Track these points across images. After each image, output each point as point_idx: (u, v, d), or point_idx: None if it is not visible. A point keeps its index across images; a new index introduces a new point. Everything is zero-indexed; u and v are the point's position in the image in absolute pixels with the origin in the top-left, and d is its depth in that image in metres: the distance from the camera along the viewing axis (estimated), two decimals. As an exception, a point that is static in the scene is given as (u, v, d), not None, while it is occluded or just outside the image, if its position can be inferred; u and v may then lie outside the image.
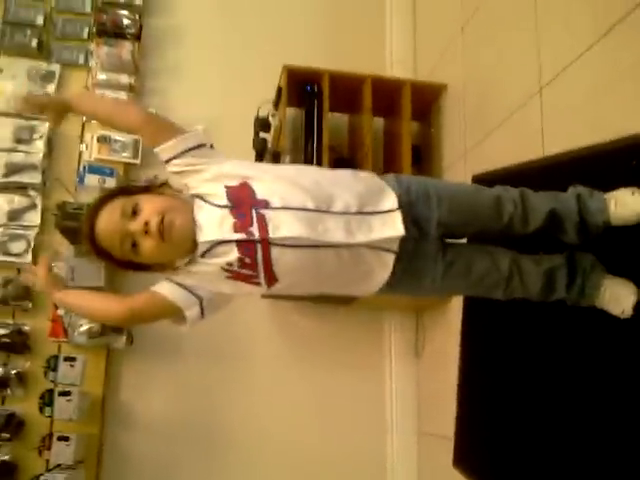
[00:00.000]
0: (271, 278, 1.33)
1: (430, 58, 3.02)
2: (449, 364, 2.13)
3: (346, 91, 2.76)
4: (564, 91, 1.91)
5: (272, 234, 1.29)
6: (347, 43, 3.16)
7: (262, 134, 2.73)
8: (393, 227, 1.36)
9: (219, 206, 1.33)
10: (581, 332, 1.58)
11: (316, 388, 2.83)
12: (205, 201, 1.36)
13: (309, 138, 2.65)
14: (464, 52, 2.64)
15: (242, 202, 1.32)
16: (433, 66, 2.97)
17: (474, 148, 2.46)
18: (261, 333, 2.85)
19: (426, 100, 2.85)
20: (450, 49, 2.77)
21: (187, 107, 2.96)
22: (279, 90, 2.74)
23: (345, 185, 1.40)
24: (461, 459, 2.04)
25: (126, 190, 1.40)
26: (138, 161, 2.80)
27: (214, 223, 1.32)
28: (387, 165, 2.85)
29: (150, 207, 1.31)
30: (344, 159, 2.79)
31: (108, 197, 1.37)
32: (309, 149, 2.62)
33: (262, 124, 2.73)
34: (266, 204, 1.31)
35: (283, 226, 1.29)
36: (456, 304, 2.32)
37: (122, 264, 1.37)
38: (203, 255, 1.33)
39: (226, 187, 1.34)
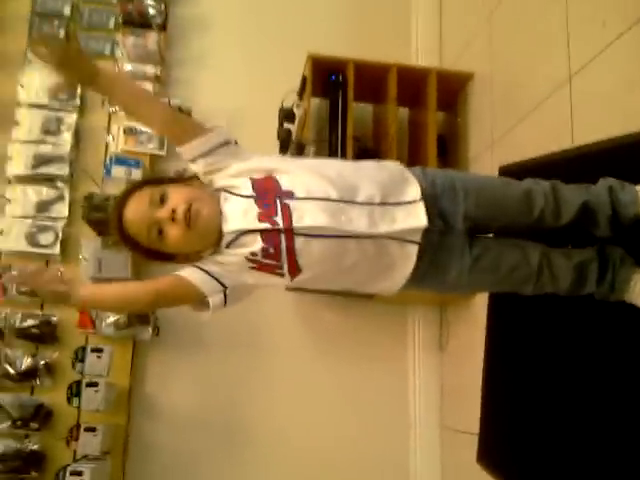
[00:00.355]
0: (294, 269, 1.33)
1: (456, 46, 2.97)
2: (473, 358, 2.11)
3: (371, 80, 2.73)
4: (594, 80, 1.86)
5: (296, 223, 1.29)
6: (372, 31, 3.12)
7: (286, 124, 2.72)
8: (416, 218, 1.35)
9: (244, 196, 1.34)
10: (609, 327, 1.55)
11: (339, 381, 2.83)
12: (231, 193, 1.37)
13: (333, 128, 2.62)
14: (491, 40, 2.59)
15: (267, 192, 1.33)
16: (459, 54, 2.91)
17: (501, 138, 2.42)
18: (285, 326, 2.85)
19: (452, 89, 2.80)
20: (477, 37, 2.72)
21: (212, 97, 2.98)
22: (304, 80, 2.72)
23: (369, 176, 1.39)
24: (485, 455, 2.03)
25: (154, 180, 1.42)
26: (164, 153, 2.81)
27: (239, 213, 1.33)
28: (412, 156, 2.82)
29: (178, 196, 1.32)
30: (368, 150, 2.76)
31: (137, 186, 1.39)
32: (333, 139, 2.60)
33: (286, 114, 2.72)
34: (291, 194, 1.32)
35: (307, 215, 1.30)
36: (481, 299, 2.29)
37: (148, 253, 1.38)
38: (228, 245, 1.35)
39: (251, 179, 1.36)
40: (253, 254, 1.32)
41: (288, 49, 2.95)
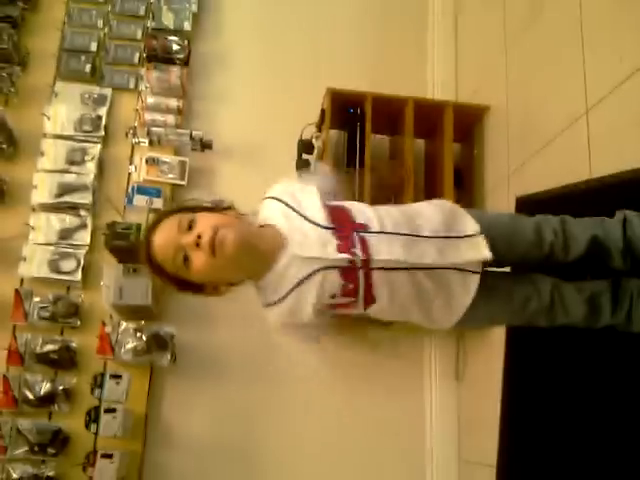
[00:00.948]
0: (369, 301, 1.34)
1: (472, 80, 3.03)
2: (490, 389, 2.10)
3: (388, 113, 2.78)
4: (611, 114, 1.89)
5: (375, 256, 1.31)
6: (389, 66, 3.19)
7: (305, 156, 2.77)
8: (479, 250, 1.38)
9: (321, 226, 1.32)
10: (631, 360, 1.54)
11: (355, 411, 2.81)
12: (301, 215, 1.34)
13: (351, 160, 2.67)
14: (507, 73, 2.63)
15: (343, 225, 1.33)
16: (475, 88, 2.96)
17: (517, 171, 2.44)
18: (302, 355, 2.84)
19: (468, 122, 2.85)
20: (493, 71, 2.77)
21: (233, 130, 3.06)
22: (322, 112, 2.78)
23: (426, 214, 1.42)
24: (504, 487, 2.00)
25: (188, 208, 1.37)
26: (185, 182, 2.87)
27: (315, 242, 1.30)
28: (428, 187, 2.86)
29: (205, 222, 1.27)
30: (384, 180, 2.80)
31: (168, 213, 1.35)
32: (351, 170, 2.65)
33: (305, 146, 2.77)
34: (366, 227, 1.34)
35: (384, 249, 1.32)
36: (498, 330, 2.28)
37: (177, 282, 1.33)
38: (303, 281, 1.29)
39: (326, 207, 1.35)
40: (332, 296, 1.31)
41: (307, 83, 3.03)
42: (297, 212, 1.34)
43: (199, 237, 1.25)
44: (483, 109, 2.79)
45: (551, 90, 2.26)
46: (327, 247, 1.29)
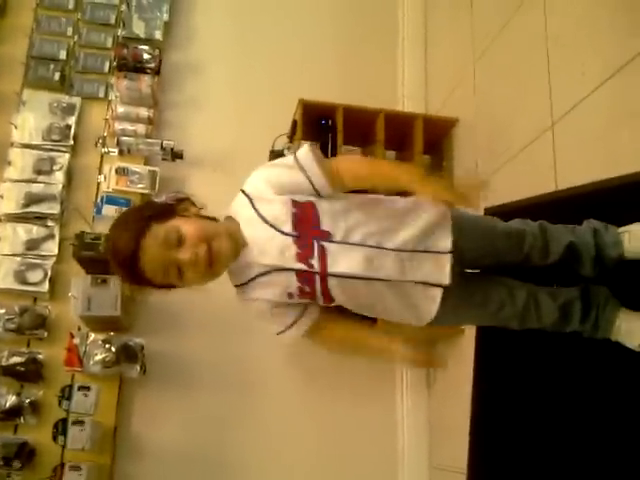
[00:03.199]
0: (328, 300, 1.39)
1: (441, 93, 3.08)
2: (461, 396, 2.12)
3: (360, 125, 2.81)
4: (576, 126, 1.94)
5: (330, 269, 1.33)
6: (361, 78, 3.23)
7: (276, 167, 2.77)
8: (441, 273, 1.38)
9: (284, 233, 1.33)
10: (597, 364, 1.58)
11: (326, 419, 2.82)
12: (266, 222, 1.34)
13: (323, 171, 2.68)
14: (475, 87, 2.69)
15: (306, 232, 1.34)
16: (444, 101, 3.01)
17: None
18: (273, 364, 2.84)
19: (438, 134, 2.90)
20: (461, 84, 2.82)
21: (204, 139, 3.05)
22: (294, 123, 2.79)
23: (409, 219, 1.41)
24: (474, 493, 2.01)
25: (156, 215, 1.33)
26: (155, 192, 2.83)
27: (276, 249, 1.33)
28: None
29: (194, 234, 1.30)
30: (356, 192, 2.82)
31: (143, 224, 1.30)
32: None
33: (277, 157, 2.76)
34: (328, 236, 1.34)
35: (342, 261, 1.33)
36: (468, 334, 2.31)
37: (160, 288, 1.35)
38: (255, 278, 1.36)
39: (293, 214, 1.34)
40: (290, 294, 1.35)
41: (279, 94, 3.04)
42: (261, 217, 1.35)
43: (194, 254, 1.29)
44: (452, 122, 2.84)
45: (518, 103, 2.32)
46: (285, 254, 1.33)
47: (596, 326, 1.48)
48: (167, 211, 1.36)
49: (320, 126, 2.76)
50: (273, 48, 3.25)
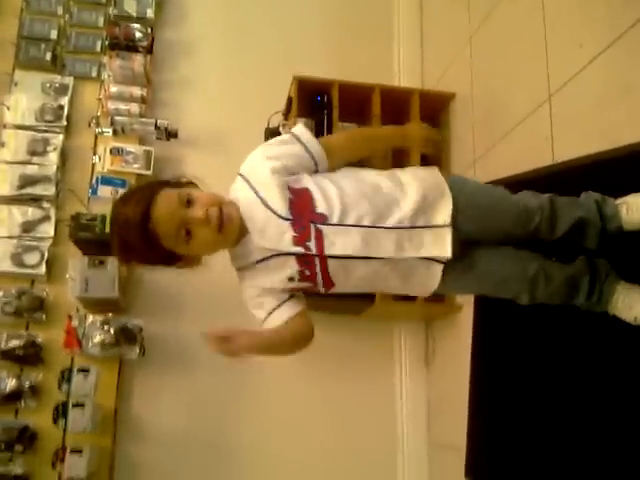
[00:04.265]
0: (329, 284, 1.39)
1: (437, 67, 3.05)
2: (459, 373, 2.13)
3: (355, 101, 2.78)
4: (573, 99, 1.92)
5: (327, 251, 1.34)
6: (356, 54, 3.19)
7: (272, 144, 2.75)
8: (442, 247, 1.38)
9: (281, 217, 1.34)
10: (594, 339, 1.58)
11: (326, 398, 2.83)
12: (265, 205, 1.35)
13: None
14: (472, 61, 2.66)
15: (302, 215, 1.35)
16: (440, 75, 2.98)
17: (483, 156, 2.47)
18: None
19: (434, 109, 2.87)
20: (458, 58, 2.79)
21: (198, 118, 3.02)
22: (289, 100, 2.76)
23: (408, 193, 1.40)
24: (472, 470, 2.02)
25: (167, 183, 1.39)
26: (150, 172, 2.82)
27: (274, 233, 1.35)
28: (396, 157, 2.85)
29: (205, 198, 1.33)
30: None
31: (157, 186, 1.35)
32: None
33: (273, 134, 2.74)
34: (324, 218, 1.34)
35: (338, 243, 1.34)
36: (466, 312, 2.32)
37: (159, 255, 1.34)
38: (259, 262, 1.37)
39: (290, 199, 1.35)
40: (290, 278, 1.36)
41: (273, 71, 3.01)
42: (260, 198, 1.36)
43: (207, 212, 1.30)
44: (448, 96, 2.81)
45: (515, 76, 2.29)
46: (283, 238, 1.34)
47: (599, 300, 1.47)
48: (176, 182, 1.40)
49: (315, 102, 2.72)
50: (267, 24, 3.21)
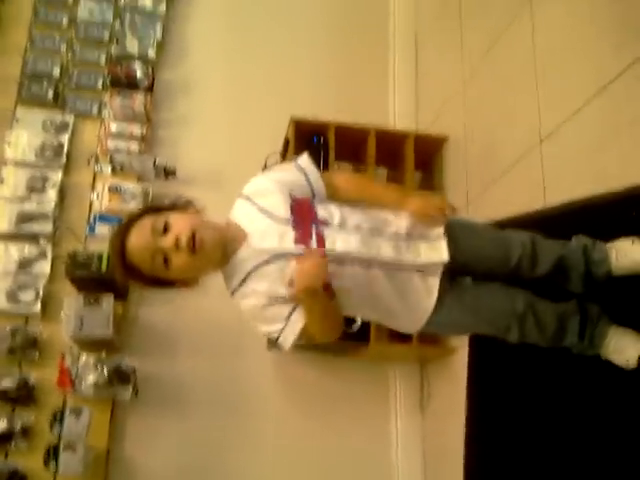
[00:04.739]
0: (328, 293, 1.36)
1: (432, 110, 3.09)
2: (455, 418, 2.11)
3: (351, 143, 2.82)
4: (564, 143, 1.95)
5: (329, 247, 1.35)
6: (352, 97, 3.24)
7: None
8: (439, 252, 1.43)
9: (281, 219, 1.38)
10: (590, 383, 1.58)
11: (321, 441, 2.78)
12: (264, 212, 1.39)
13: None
14: (465, 105, 2.71)
15: (304, 219, 1.38)
16: (435, 118, 3.03)
17: (476, 198, 2.50)
18: (265, 385, 2.81)
19: (428, 151, 2.91)
20: (451, 102, 2.84)
21: (197, 157, 3.05)
22: (286, 141, 2.81)
23: (398, 216, 1.47)
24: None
25: (153, 209, 1.43)
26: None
27: (274, 234, 1.37)
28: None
29: (180, 223, 1.35)
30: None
31: (137, 216, 1.39)
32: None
33: (269, 175, 2.78)
34: (326, 222, 1.39)
35: (339, 241, 1.37)
36: (461, 355, 2.30)
37: (150, 281, 1.39)
38: (255, 268, 1.36)
39: (291, 204, 1.40)
40: (291, 282, 1.34)
41: (271, 111, 3.05)
42: (261, 210, 1.40)
43: (177, 239, 1.32)
44: (442, 139, 2.86)
45: (507, 120, 2.33)
46: (284, 239, 1.36)
47: (591, 342, 1.48)
48: (164, 207, 1.43)
49: (312, 143, 2.76)
50: (265, 66, 3.27)
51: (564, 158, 1.95)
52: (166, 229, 1.33)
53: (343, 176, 1.61)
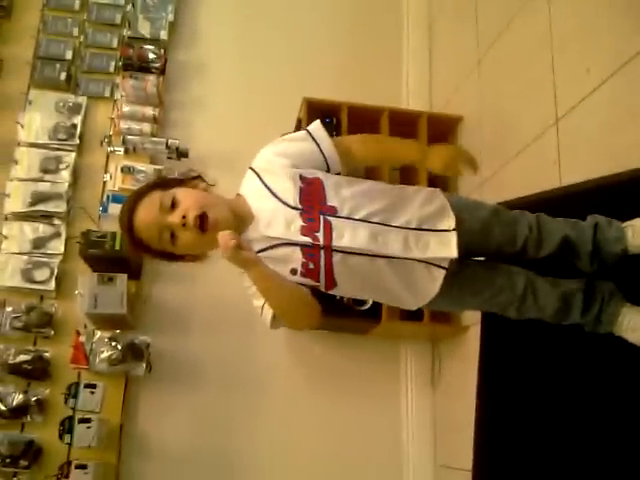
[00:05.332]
0: (330, 283, 1.37)
1: (446, 91, 3.08)
2: (466, 393, 2.12)
3: (364, 123, 2.80)
4: (580, 123, 1.94)
5: (335, 242, 1.33)
6: (365, 76, 3.23)
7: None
8: (448, 247, 1.40)
9: (290, 206, 1.36)
10: (602, 360, 1.57)
11: (331, 418, 2.81)
12: (274, 195, 1.37)
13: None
14: (480, 84, 2.69)
15: (312, 206, 1.36)
16: (448, 98, 3.02)
17: (490, 179, 2.49)
18: (278, 362, 2.84)
19: (442, 131, 2.89)
20: (466, 82, 2.82)
21: (209, 138, 3.06)
22: (299, 122, 2.80)
23: (410, 203, 1.44)
24: (480, 491, 2.01)
25: (162, 183, 1.43)
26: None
27: (281, 221, 1.35)
28: (404, 169, 2.88)
29: (188, 201, 1.34)
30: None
31: (145, 191, 1.39)
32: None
33: (282, 155, 2.78)
34: (334, 211, 1.36)
35: (347, 235, 1.34)
36: (473, 333, 2.31)
37: (158, 254, 1.40)
38: (263, 250, 1.35)
39: (301, 188, 1.37)
40: (294, 271, 1.34)
41: (283, 92, 3.05)
42: (269, 190, 1.38)
43: (184, 217, 1.31)
44: (456, 119, 2.84)
45: (522, 100, 2.31)
46: (291, 228, 1.34)
47: (599, 320, 1.48)
48: (173, 182, 1.42)
49: (324, 124, 2.74)
50: (277, 46, 3.26)
51: (580, 138, 1.94)
52: (174, 205, 1.33)
53: (357, 138, 1.54)
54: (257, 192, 1.39)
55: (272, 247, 1.35)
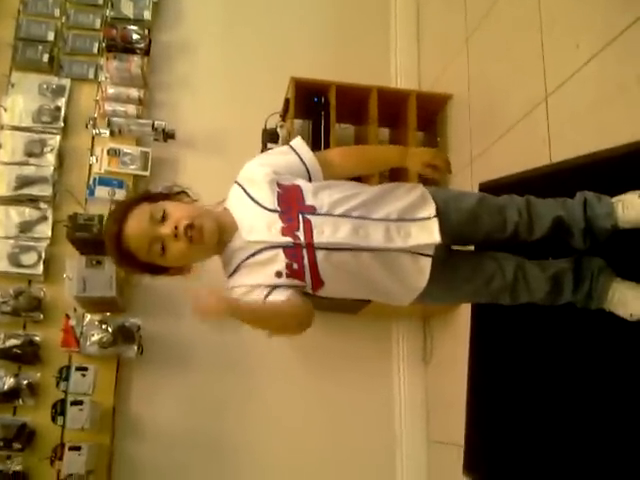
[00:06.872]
0: (317, 282, 1.38)
1: (434, 69, 3.07)
2: (457, 370, 2.14)
3: (353, 102, 2.80)
4: (570, 99, 1.94)
5: (316, 239, 1.34)
6: (353, 55, 3.21)
7: (270, 145, 2.76)
8: (430, 234, 1.41)
9: (268, 210, 1.38)
10: (591, 335, 1.59)
11: (324, 396, 2.84)
12: (253, 200, 1.41)
13: (316, 148, 2.67)
14: (469, 62, 2.68)
15: (290, 207, 1.37)
16: (437, 77, 3.01)
17: (480, 157, 2.49)
18: (270, 343, 2.79)
19: (431, 110, 2.89)
20: (455, 60, 2.81)
21: (196, 119, 3.03)
22: (287, 102, 2.78)
23: (390, 197, 1.46)
24: (471, 466, 2.03)
25: (149, 197, 1.44)
26: (147, 173, 2.83)
27: (262, 225, 1.37)
28: (393, 175, 2.87)
29: (179, 213, 1.36)
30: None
31: (133, 203, 1.41)
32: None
33: (270, 135, 2.76)
34: (313, 210, 1.37)
35: (327, 231, 1.35)
36: (464, 310, 2.33)
37: (144, 267, 1.41)
38: (249, 257, 1.37)
39: (278, 192, 1.40)
40: (278, 273, 1.35)
41: (271, 72, 3.02)
42: (250, 197, 1.42)
43: (176, 228, 1.34)
44: (445, 97, 2.83)
45: (511, 77, 2.31)
46: (271, 230, 1.36)
47: (590, 296, 1.49)
48: (160, 196, 1.44)
49: (313, 104, 2.74)
50: (264, 26, 3.22)
51: (570, 114, 1.93)
52: (164, 217, 1.35)
53: (337, 150, 1.62)
54: (240, 202, 1.43)
55: (256, 253, 1.36)
